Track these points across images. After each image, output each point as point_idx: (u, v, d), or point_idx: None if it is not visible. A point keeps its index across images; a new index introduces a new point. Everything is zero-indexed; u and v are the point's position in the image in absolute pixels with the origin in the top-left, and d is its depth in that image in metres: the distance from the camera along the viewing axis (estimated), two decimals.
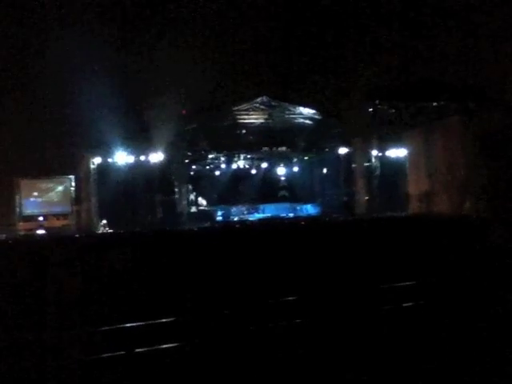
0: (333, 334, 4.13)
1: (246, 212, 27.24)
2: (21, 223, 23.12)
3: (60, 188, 24.06)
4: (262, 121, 25.63)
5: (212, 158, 27.34)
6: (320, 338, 4.01)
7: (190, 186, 27.14)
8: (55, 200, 23.83)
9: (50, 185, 24.01)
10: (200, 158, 27.00)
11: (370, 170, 24.72)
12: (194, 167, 27.69)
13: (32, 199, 23.50)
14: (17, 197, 23.06)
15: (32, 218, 23.37)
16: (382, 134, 24.08)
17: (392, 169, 24.14)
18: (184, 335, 4.33)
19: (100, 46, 17.71)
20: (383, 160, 24.96)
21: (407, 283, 6.03)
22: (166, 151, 24.09)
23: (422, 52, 18.59)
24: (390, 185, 23.88)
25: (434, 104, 21.63)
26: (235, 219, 26.00)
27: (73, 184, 23.90)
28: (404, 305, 5.28)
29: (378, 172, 24.44)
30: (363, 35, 19.45)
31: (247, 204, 27.54)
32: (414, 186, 22.48)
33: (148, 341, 4.34)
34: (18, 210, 23.08)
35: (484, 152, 17.99)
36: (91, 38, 17.05)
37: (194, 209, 27.11)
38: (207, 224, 23.43)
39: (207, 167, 28.35)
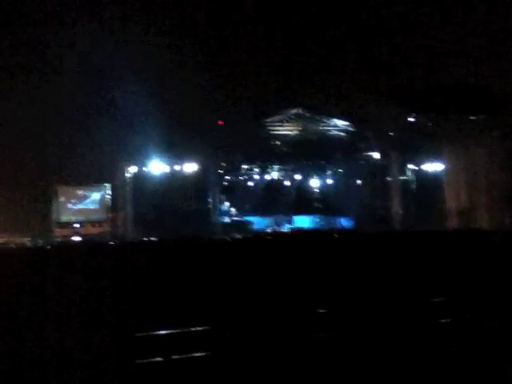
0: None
1: (278, 223, 27.08)
2: (57, 229, 23.59)
3: (96, 196, 24.48)
4: (296, 132, 25.54)
5: (246, 169, 27.39)
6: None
7: (224, 196, 27.21)
8: (91, 207, 24.26)
9: (87, 192, 24.47)
10: (234, 169, 27.09)
11: (405, 184, 24.28)
12: (227, 177, 27.75)
13: (68, 206, 23.98)
14: (54, 203, 23.56)
15: (68, 225, 23.83)
16: (419, 147, 23.62)
17: (429, 183, 23.57)
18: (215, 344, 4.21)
19: (136, 55, 18.04)
20: (420, 174, 24.46)
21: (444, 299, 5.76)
22: (200, 161, 24.27)
23: (462, 63, 18.15)
24: (426, 199, 23.32)
25: (474, 117, 21.08)
26: (268, 230, 25.83)
27: (109, 192, 24.31)
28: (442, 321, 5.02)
29: (414, 186, 23.97)
30: (400, 46, 19.17)
31: (280, 215, 27.38)
32: (453, 200, 21.91)
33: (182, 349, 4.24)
34: (54, 216, 23.55)
35: None
36: (128, 47, 17.40)
37: (227, 219, 27.11)
38: (240, 234, 23.32)
39: (241, 178, 28.37)
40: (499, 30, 15.94)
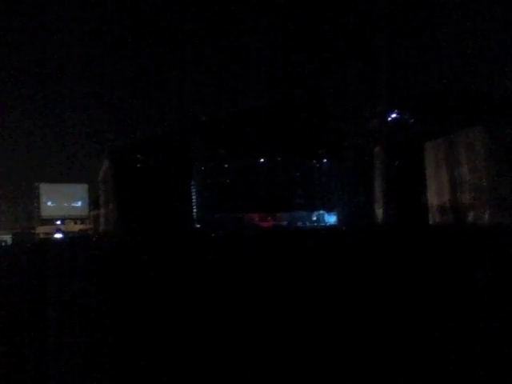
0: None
1: (259, 220, 26.75)
2: (39, 227, 23.35)
3: (78, 192, 24.21)
4: None
5: (226, 164, 27.17)
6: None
7: (206, 194, 26.85)
8: (73, 204, 23.99)
9: (69, 189, 24.17)
10: (214, 163, 26.87)
11: (388, 179, 24.34)
12: (208, 173, 27.45)
13: (50, 203, 23.71)
14: (35, 200, 23.31)
15: (50, 222, 23.58)
16: (403, 143, 23.69)
17: (411, 179, 23.60)
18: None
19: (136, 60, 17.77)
20: (402, 169, 24.48)
21: None
22: (182, 156, 24.11)
23: (444, 60, 18.17)
24: (409, 195, 23.40)
25: (457, 114, 21.17)
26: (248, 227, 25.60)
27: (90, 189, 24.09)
28: None
29: (396, 181, 24.03)
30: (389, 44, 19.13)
31: (261, 212, 27.05)
32: (436, 196, 21.96)
33: None
34: (36, 213, 23.32)
35: (508, 162, 17.54)
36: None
37: (208, 216, 26.77)
38: (220, 232, 23.12)
39: (221, 173, 28.02)
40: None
